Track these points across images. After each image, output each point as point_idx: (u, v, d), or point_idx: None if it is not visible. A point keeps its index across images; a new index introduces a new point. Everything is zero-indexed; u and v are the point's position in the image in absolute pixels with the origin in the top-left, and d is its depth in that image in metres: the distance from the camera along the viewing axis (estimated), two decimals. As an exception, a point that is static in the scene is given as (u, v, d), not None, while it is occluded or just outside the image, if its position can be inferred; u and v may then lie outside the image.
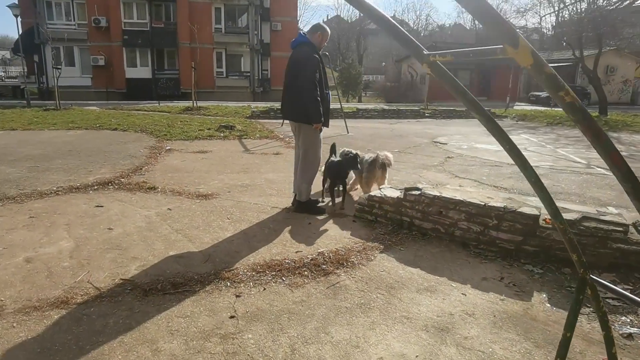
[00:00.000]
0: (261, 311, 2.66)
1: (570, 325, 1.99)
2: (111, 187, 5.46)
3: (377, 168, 4.87)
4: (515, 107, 24.95)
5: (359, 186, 5.29)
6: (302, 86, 4.30)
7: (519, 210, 3.58)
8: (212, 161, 7.38)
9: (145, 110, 17.10)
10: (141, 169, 6.55)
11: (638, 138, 13.40)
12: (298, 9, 35.94)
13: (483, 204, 3.71)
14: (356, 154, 4.64)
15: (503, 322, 2.67)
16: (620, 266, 3.37)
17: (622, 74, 35.11)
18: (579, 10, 24.37)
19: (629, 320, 2.79)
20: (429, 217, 4.01)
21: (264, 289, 2.93)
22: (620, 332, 2.65)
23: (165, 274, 3.10)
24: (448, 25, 68.31)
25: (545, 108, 25.90)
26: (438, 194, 3.94)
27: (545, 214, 3.71)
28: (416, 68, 35.25)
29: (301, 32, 4.58)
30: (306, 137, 4.56)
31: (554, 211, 1.76)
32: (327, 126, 4.64)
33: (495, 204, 3.69)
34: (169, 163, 7.10)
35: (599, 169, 7.74)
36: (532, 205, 3.75)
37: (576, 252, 1.91)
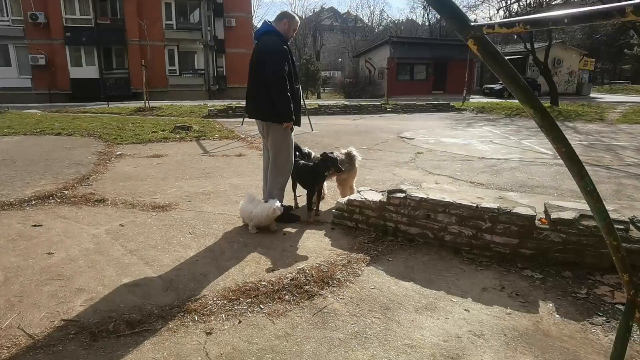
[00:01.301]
0: (239, 352, 2.20)
1: (619, 357, 1.67)
2: (52, 201, 4.78)
3: (355, 165, 4.50)
4: (471, 100, 25.37)
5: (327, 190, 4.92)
6: (270, 81, 3.84)
7: (514, 210, 3.29)
8: (168, 166, 6.76)
9: (93, 113, 15.99)
10: (88, 178, 5.87)
11: (592, 127, 13.78)
12: (252, 4, 35.12)
13: (475, 205, 3.40)
14: (332, 153, 4.23)
15: (516, 342, 2.36)
16: (622, 266, 3.15)
17: (567, 66, 36.66)
18: (528, 3, 25.10)
19: (646, 329, 2.54)
20: (416, 222, 3.67)
21: (240, 321, 2.47)
22: (643, 344, 2.40)
23: (118, 309, 2.58)
24: (401, 21, 69.12)
25: (500, 100, 26.52)
26: (425, 196, 3.60)
27: (540, 213, 3.46)
28: (374, 63, 35.29)
29: (266, 20, 4.09)
30: (276, 137, 4.11)
31: (608, 226, 1.42)
32: (299, 125, 4.22)
33: (488, 205, 3.39)
34: (120, 170, 6.43)
35: (567, 160, 7.72)
36: (525, 204, 3.48)
37: (627, 272, 1.59)
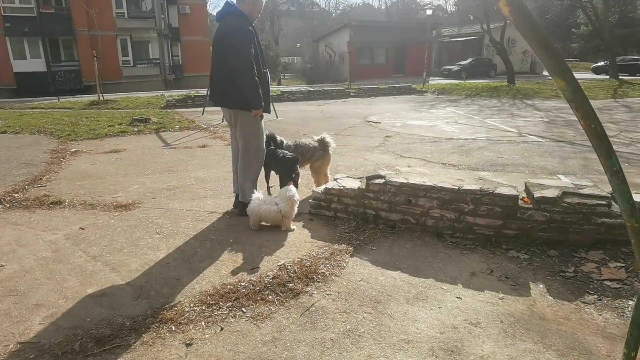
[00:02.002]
0: (224, 363, 2.01)
1: (635, 342, 1.60)
2: (0, 206, 4.36)
3: (329, 152, 4.33)
4: (431, 82, 25.62)
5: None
6: (235, 65, 3.58)
7: (496, 191, 3.22)
8: (128, 161, 6.37)
9: (42, 108, 15.01)
10: (41, 178, 5.41)
11: (550, 104, 14.17)
12: (206, -10, 33.95)
13: (457, 187, 3.30)
14: (294, 157, 4.04)
15: (514, 329, 2.28)
16: (605, 242, 3.15)
17: (521, 45, 37.64)
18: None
19: (636, 304, 2.52)
20: (397, 208, 3.55)
21: (221, 328, 2.27)
22: (635, 321, 2.37)
23: (84, 324, 2.32)
24: (358, 5, 68.77)
25: (459, 81, 26.94)
26: (405, 181, 3.48)
27: (522, 192, 3.41)
28: (333, 47, 35.04)
29: (228, 0, 3.79)
30: (245, 126, 3.85)
31: (631, 208, 1.31)
32: (268, 112, 3.97)
33: (469, 187, 3.30)
34: (76, 168, 5.99)
35: (532, 137, 7.86)
36: (506, 184, 3.42)
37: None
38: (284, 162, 3.98)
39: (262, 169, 4.12)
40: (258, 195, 3.57)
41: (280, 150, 4.09)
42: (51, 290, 2.67)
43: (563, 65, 0.98)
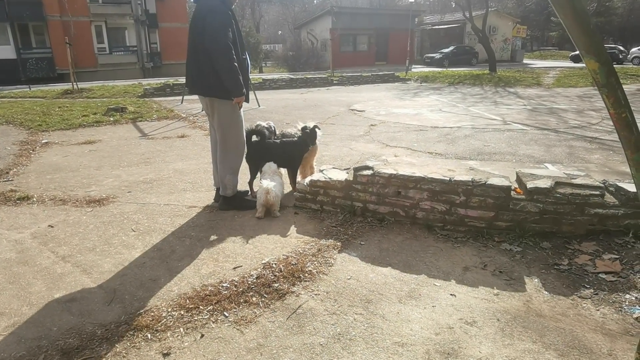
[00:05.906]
0: (205, 375, 1.85)
1: (648, 348, 1.49)
2: (-37, 202, 4.08)
3: (316, 142, 4.16)
4: (414, 70, 25.54)
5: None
6: (212, 51, 3.35)
7: (489, 182, 3.10)
8: (103, 153, 6.08)
9: (12, 97, 14.40)
10: (8, 172, 5.11)
11: (532, 92, 14.21)
12: (184, -26, 32.96)
13: (448, 179, 3.17)
14: (314, 126, 4.00)
15: (512, 328, 2.17)
16: (598, 233, 3.07)
17: (502, 34, 37.82)
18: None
19: (634, 297, 2.45)
20: (386, 200, 3.41)
21: (202, 335, 2.10)
22: (634, 315, 2.29)
23: (50, 334, 2.12)
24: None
25: (441, 69, 26.92)
26: (394, 172, 3.34)
27: (513, 182, 3.30)
28: (316, 35, 34.61)
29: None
30: (223, 116, 3.63)
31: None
32: (247, 101, 3.74)
33: (461, 178, 3.17)
34: (46, 161, 5.68)
35: (516, 125, 7.81)
36: (498, 175, 3.31)
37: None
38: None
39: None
40: (273, 182, 3.58)
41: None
42: (14, 296, 2.45)
43: (599, 44, 0.82)
